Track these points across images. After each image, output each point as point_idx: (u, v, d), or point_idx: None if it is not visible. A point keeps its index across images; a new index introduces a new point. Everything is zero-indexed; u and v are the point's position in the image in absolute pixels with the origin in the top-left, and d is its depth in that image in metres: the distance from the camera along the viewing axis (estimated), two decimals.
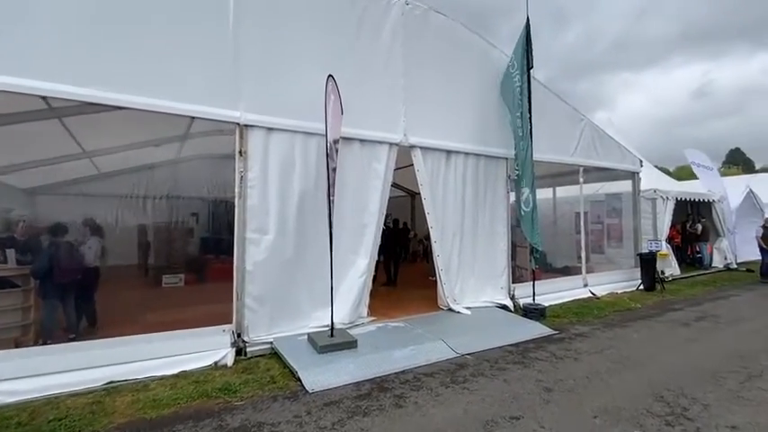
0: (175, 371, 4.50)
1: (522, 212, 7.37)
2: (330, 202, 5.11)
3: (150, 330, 4.61)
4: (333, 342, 4.96)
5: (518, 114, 7.34)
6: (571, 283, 8.98)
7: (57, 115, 4.69)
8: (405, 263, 14.07)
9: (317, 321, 5.69)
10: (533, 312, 6.87)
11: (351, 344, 5.02)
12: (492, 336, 5.71)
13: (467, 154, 7.33)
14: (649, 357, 5.06)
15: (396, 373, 4.53)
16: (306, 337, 5.26)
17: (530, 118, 7.21)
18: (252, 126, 5.22)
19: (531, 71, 7.39)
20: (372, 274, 6.38)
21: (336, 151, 5.59)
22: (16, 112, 4.41)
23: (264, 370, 4.63)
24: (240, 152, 5.14)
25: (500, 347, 5.40)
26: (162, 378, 4.38)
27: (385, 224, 10.31)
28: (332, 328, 5.23)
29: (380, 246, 9.58)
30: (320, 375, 4.30)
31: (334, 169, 5.45)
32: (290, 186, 5.49)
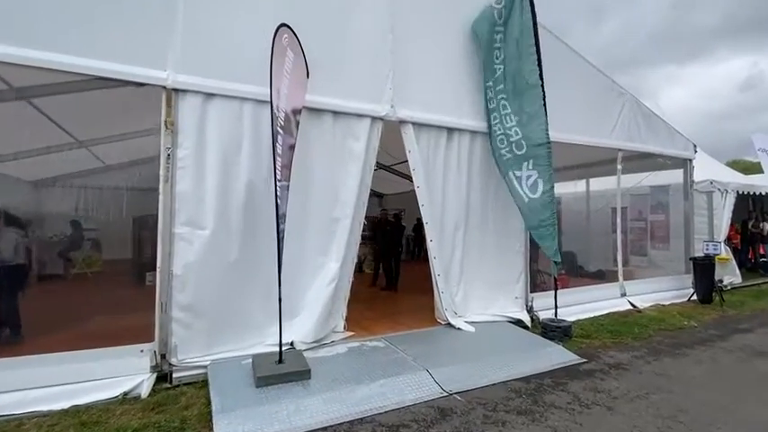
0: (67, 404, 3.46)
1: (526, 197, 5.69)
2: (279, 189, 3.89)
3: (43, 349, 3.60)
4: (277, 372, 3.78)
5: (500, 65, 5.73)
6: (606, 291, 7.42)
7: None
8: (417, 261, 12.80)
9: (275, 338, 4.54)
10: (554, 331, 5.44)
11: (302, 374, 3.83)
12: (496, 365, 4.36)
13: (473, 132, 5.94)
14: (723, 411, 3.56)
15: (350, 421, 3.30)
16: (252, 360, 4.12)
17: (539, 63, 5.60)
18: (184, 91, 4.09)
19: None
20: (350, 279, 5.15)
21: (297, 125, 4.38)
22: None
23: (183, 407, 3.51)
24: (166, 124, 4.02)
25: (505, 383, 4.05)
26: (47, 414, 3.35)
27: (386, 218, 9.17)
28: (280, 352, 4.05)
29: (380, 244, 8.35)
30: (242, 425, 3.13)
31: (292, 147, 4.25)
32: (236, 169, 4.33)
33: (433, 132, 5.61)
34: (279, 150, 3.87)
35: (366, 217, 5.29)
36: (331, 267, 4.82)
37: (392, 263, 8.51)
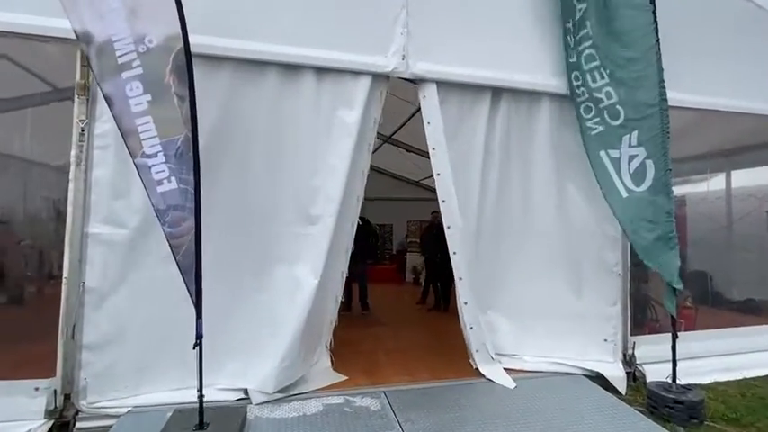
0: None
1: (624, 190, 3.68)
2: (152, 164, 2.58)
3: None
4: None
5: None
6: (764, 336, 4.80)
7: None
8: None
9: (230, 380, 3.32)
10: (671, 407, 3.31)
11: None
12: None
13: (536, 94, 4.06)
14: None
15: None
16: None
17: None
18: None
19: None
20: (338, 299, 3.74)
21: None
22: None
23: None
24: (82, 88, 3.06)
25: None
26: None
27: (436, 222, 7.48)
28: (201, 413, 2.75)
29: (428, 252, 6.73)
30: None
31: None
32: None
33: (469, 95, 3.90)
34: (137, 104, 2.57)
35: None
36: (305, 283, 3.42)
37: (438, 275, 6.82)
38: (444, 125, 3.78)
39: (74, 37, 2.64)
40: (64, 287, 2.99)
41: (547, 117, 4.10)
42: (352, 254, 6.30)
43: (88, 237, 3.05)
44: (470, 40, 3.79)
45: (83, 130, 3.04)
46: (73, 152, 3.03)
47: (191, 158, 2.61)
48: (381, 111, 3.69)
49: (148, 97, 2.61)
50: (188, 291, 2.64)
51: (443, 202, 3.75)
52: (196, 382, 3.20)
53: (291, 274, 3.45)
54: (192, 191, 2.61)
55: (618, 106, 3.71)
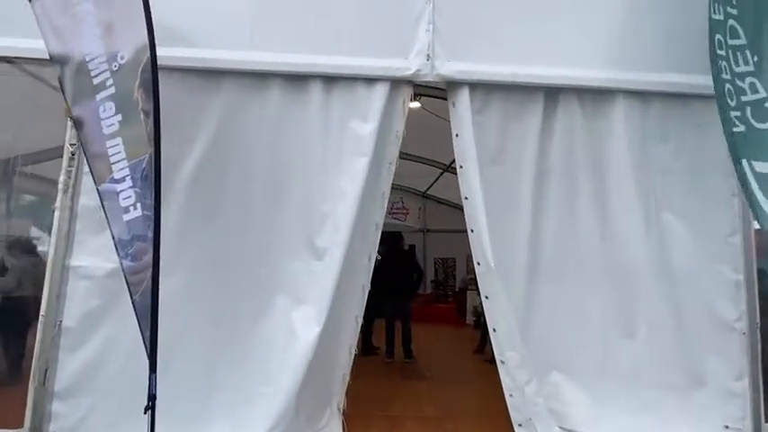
0: None
1: None
2: (120, 189, 2.20)
3: None
4: None
5: None
6: None
7: None
8: None
9: None
10: None
11: None
12: None
13: (609, 93, 3.15)
14: None
15: None
16: None
17: None
18: None
19: None
20: (351, 351, 3.05)
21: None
22: None
23: None
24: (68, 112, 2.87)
25: None
26: None
27: None
28: None
29: None
30: None
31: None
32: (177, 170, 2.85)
33: (515, 99, 3.11)
34: (108, 126, 2.21)
35: None
36: (305, 332, 2.78)
37: None
38: (482, 138, 3.03)
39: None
40: (40, 326, 2.70)
41: (624, 125, 3.14)
42: (393, 290, 5.72)
43: (69, 270, 2.76)
44: (515, 30, 3.06)
45: (72, 155, 2.83)
46: (61, 178, 2.82)
47: (152, 181, 2.20)
48: (404, 123, 3.06)
49: (119, 117, 2.29)
50: (142, 338, 2.16)
51: (472, 232, 2.95)
52: None
53: (288, 320, 2.85)
54: (153, 218, 2.17)
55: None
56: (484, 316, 6.19)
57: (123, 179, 2.20)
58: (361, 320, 3.15)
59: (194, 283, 2.80)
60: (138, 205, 2.18)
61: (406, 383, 4.66)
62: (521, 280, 3.04)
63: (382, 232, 3.08)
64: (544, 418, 2.88)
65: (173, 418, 2.72)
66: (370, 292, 6.05)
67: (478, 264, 2.97)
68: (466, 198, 2.98)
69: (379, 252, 6.28)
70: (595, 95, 3.14)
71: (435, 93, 3.40)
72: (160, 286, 2.64)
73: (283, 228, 2.92)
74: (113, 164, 2.22)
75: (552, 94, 3.13)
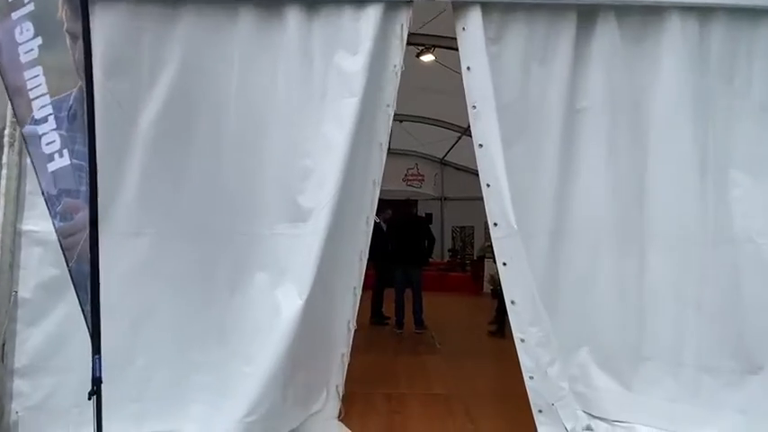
0: None
1: None
2: (41, 132, 1.79)
3: None
4: None
5: None
6: None
7: None
8: None
9: (197, 427, 2.47)
10: None
11: None
12: None
13: (659, 10, 2.50)
14: None
15: None
16: None
17: None
18: None
19: None
20: (350, 327, 2.67)
21: None
22: None
23: None
24: None
25: None
26: None
27: None
28: None
29: None
30: None
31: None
32: (138, 110, 2.43)
33: (541, 22, 2.50)
34: (26, 52, 1.78)
35: None
36: (287, 305, 2.39)
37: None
38: (498, 72, 2.47)
39: None
40: None
41: (676, 52, 2.51)
42: (404, 259, 5.31)
43: (21, 235, 2.43)
44: None
45: None
46: (6, 131, 2.44)
47: (84, 123, 1.78)
48: (403, 55, 2.52)
49: (39, 41, 1.85)
50: (82, 312, 1.81)
51: (488, 186, 2.44)
52: (159, 425, 2.48)
53: (271, 292, 2.47)
54: (87, 169, 1.77)
55: None
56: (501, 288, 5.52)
57: (45, 119, 1.79)
58: (359, 293, 2.75)
59: (161, 252, 2.44)
60: (66, 152, 1.78)
61: (414, 358, 4.31)
62: (545, 244, 2.56)
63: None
64: (569, 403, 2.46)
65: (145, 402, 2.47)
66: (380, 261, 5.78)
67: (495, 225, 2.47)
68: (480, 146, 2.46)
69: (387, 219, 5.91)
70: (641, 14, 2.51)
71: (451, 43, 2.79)
72: (118, 255, 2.36)
73: (261, 186, 2.49)
74: (33, 100, 1.81)
75: (586, 13, 2.52)
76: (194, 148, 2.48)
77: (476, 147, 2.47)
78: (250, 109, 2.48)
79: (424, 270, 6.13)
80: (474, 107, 2.45)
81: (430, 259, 6.23)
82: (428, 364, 4.11)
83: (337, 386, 2.79)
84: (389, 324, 5.56)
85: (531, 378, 2.44)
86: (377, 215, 2.80)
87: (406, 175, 11.73)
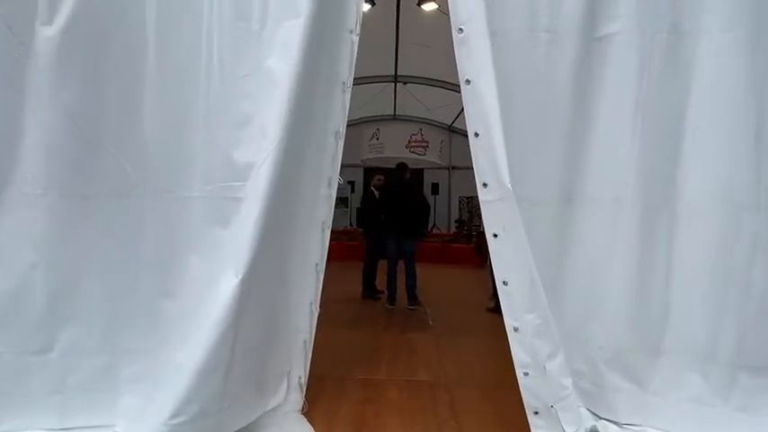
0: None
1: None
2: None
3: None
4: None
5: None
6: None
7: None
8: None
9: (127, 423, 2.10)
10: None
11: None
12: None
13: None
14: None
15: None
16: None
17: None
18: None
19: None
20: (312, 310, 2.24)
21: None
22: None
23: None
24: None
25: None
26: None
27: None
28: None
29: None
30: None
31: None
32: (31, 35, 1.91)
33: None
34: None
35: None
36: (223, 283, 1.93)
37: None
38: None
39: None
40: None
41: None
42: (395, 229, 4.83)
43: None
44: None
45: None
46: None
47: None
48: None
49: None
50: None
51: (476, 136, 1.91)
52: (85, 419, 2.14)
53: (205, 267, 2.02)
54: None
55: None
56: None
57: None
58: (322, 268, 2.29)
59: (69, 215, 1.99)
60: None
61: (401, 336, 3.91)
62: (551, 214, 2.05)
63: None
64: (571, 405, 2.02)
65: (69, 393, 2.09)
66: (372, 231, 5.31)
67: (485, 185, 1.95)
68: (467, 82, 1.90)
69: (379, 186, 5.36)
70: None
71: None
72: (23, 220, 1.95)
73: (188, 137, 1.98)
74: None
75: None
76: (106, 88, 1.97)
77: (462, 84, 1.91)
78: (172, 39, 1.95)
79: (423, 241, 5.68)
80: (460, 30, 1.87)
81: (426, 230, 5.75)
82: (416, 344, 3.70)
83: (300, 377, 2.39)
84: (381, 299, 5.17)
85: (526, 374, 1.99)
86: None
87: (409, 141, 11.13)
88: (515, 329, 1.93)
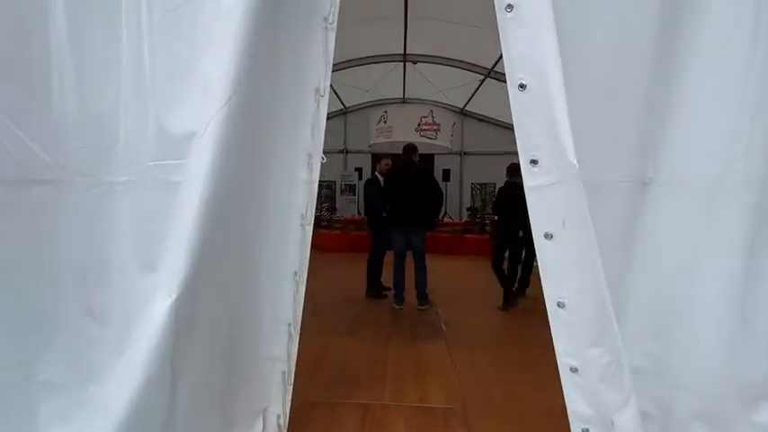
0: None
1: None
2: None
3: None
4: None
5: None
6: None
7: None
8: None
9: None
10: None
11: None
12: None
13: None
14: None
15: None
16: None
17: None
18: None
19: None
20: (291, 332, 1.68)
21: None
22: None
23: None
24: None
25: None
26: None
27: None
28: None
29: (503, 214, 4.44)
30: None
31: None
32: None
33: None
34: None
35: None
36: (157, 301, 1.37)
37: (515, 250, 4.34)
38: None
39: None
40: None
41: None
42: (403, 219, 4.25)
43: None
44: None
45: None
46: None
47: None
48: None
49: None
50: None
51: (521, 89, 1.28)
52: None
53: (138, 281, 1.46)
54: None
55: None
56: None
57: None
58: (303, 279, 1.72)
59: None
60: None
61: (410, 346, 3.35)
62: (620, 203, 1.43)
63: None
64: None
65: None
66: (377, 221, 4.71)
67: (533, 162, 1.33)
68: (509, 7, 1.27)
69: (384, 171, 4.72)
70: None
71: None
72: None
73: (111, 105, 1.40)
74: None
75: None
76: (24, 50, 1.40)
77: (499, 12, 1.28)
78: None
79: (432, 232, 5.10)
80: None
81: (437, 219, 5.16)
82: (427, 357, 3.14)
83: (279, 416, 1.84)
84: (388, 297, 4.61)
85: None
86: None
87: (419, 124, 10.44)
88: (573, 370, 1.34)
